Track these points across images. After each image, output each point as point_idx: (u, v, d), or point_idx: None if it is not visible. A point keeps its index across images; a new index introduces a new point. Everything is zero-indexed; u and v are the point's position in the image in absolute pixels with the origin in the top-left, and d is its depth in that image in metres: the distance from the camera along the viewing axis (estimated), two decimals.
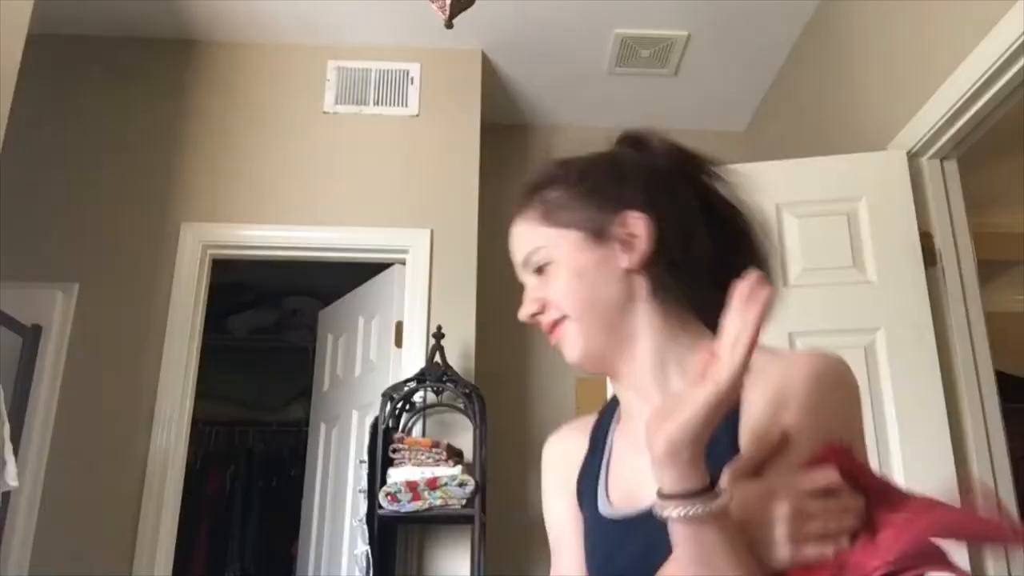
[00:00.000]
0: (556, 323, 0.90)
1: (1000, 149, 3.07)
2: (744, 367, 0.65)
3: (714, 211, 0.89)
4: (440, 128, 3.16)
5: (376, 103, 3.17)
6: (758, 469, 0.72)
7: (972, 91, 1.98)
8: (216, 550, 3.88)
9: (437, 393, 2.77)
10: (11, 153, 2.27)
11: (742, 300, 0.66)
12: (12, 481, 2.22)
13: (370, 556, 2.43)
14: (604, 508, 0.86)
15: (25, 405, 2.58)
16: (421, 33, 3.10)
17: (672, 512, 0.66)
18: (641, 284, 0.87)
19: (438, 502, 2.44)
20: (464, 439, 2.68)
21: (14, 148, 2.30)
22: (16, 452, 2.30)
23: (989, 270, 3.10)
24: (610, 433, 0.93)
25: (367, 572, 2.44)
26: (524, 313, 0.93)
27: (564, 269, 0.89)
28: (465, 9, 2.11)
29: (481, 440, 2.59)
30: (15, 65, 2.23)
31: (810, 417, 0.73)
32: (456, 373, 2.69)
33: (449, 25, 2.09)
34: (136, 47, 3.17)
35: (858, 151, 2.39)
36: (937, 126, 2.15)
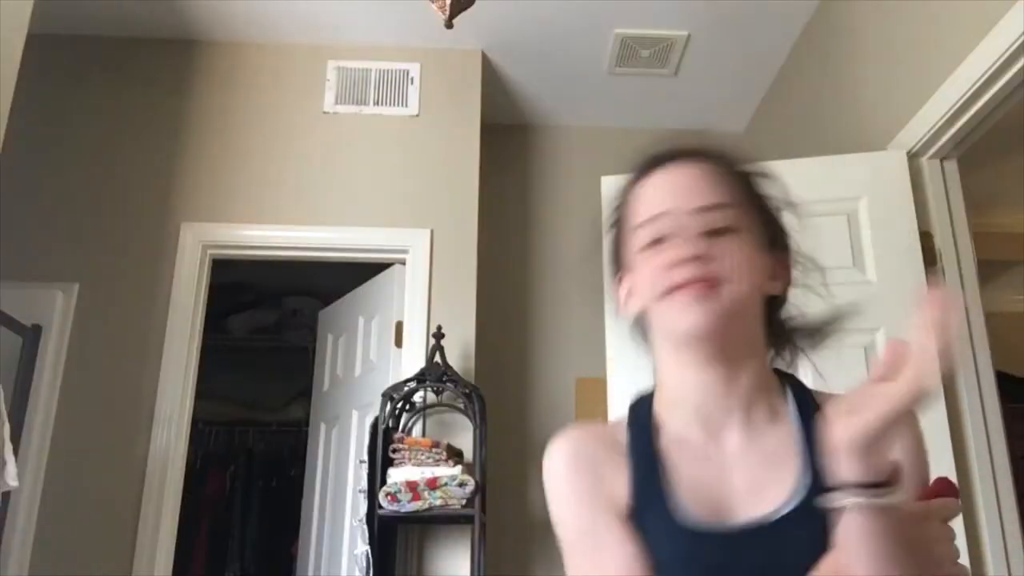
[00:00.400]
0: (707, 276, 0.83)
1: (1000, 149, 3.07)
2: (936, 369, 0.66)
3: None
4: (440, 128, 3.16)
5: (376, 103, 3.17)
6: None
7: (972, 91, 1.98)
8: (216, 550, 3.88)
9: (437, 393, 2.77)
10: (11, 153, 2.27)
11: (936, 308, 0.67)
12: (12, 481, 2.22)
13: (370, 556, 2.43)
14: (694, 523, 0.81)
15: (25, 405, 2.58)
16: (421, 33, 3.10)
17: (859, 502, 0.67)
18: (761, 313, 0.90)
19: (438, 502, 2.44)
20: (464, 439, 2.69)
21: (14, 148, 2.31)
22: (16, 452, 2.30)
23: (989, 270, 3.10)
24: (655, 444, 0.89)
25: (367, 572, 2.44)
26: (680, 254, 0.84)
27: (746, 247, 0.86)
28: (465, 9, 2.11)
29: (481, 440, 2.59)
30: (15, 65, 2.23)
31: (917, 451, 0.81)
32: (456, 373, 2.69)
33: (449, 25, 2.09)
34: (136, 47, 3.17)
35: (858, 151, 2.39)
36: (937, 126, 2.15)
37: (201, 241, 2.93)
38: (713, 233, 0.85)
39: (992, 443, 2.08)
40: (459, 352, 2.82)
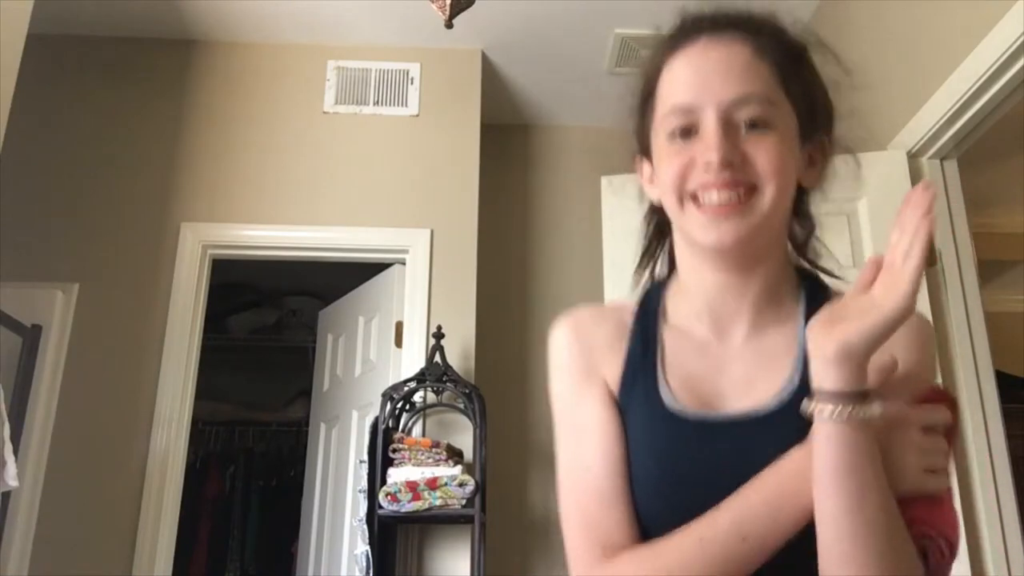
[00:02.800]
0: (740, 185, 0.78)
1: (1000, 149, 3.07)
2: (919, 281, 0.66)
3: None
4: (440, 128, 3.16)
5: (376, 103, 3.17)
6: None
7: (972, 91, 1.98)
8: (216, 550, 3.88)
9: (437, 393, 2.77)
10: (11, 153, 2.27)
11: (914, 208, 0.67)
12: (12, 481, 2.22)
13: (370, 556, 2.43)
14: (675, 406, 0.81)
15: (25, 405, 2.58)
16: (421, 33, 3.10)
17: (833, 411, 0.68)
18: (791, 204, 0.85)
19: (438, 502, 2.44)
20: (464, 439, 2.69)
21: (14, 148, 2.31)
22: (16, 452, 2.30)
23: (989, 270, 3.11)
24: (657, 329, 0.87)
25: (367, 572, 2.44)
26: (717, 157, 0.77)
27: (782, 145, 0.80)
28: (465, 9, 2.11)
29: (481, 440, 2.59)
30: (15, 65, 2.23)
31: (920, 358, 0.79)
32: (456, 373, 2.69)
33: (449, 25, 2.09)
34: (136, 47, 3.17)
35: (858, 151, 2.39)
36: (937, 126, 2.15)
37: (201, 241, 2.93)
38: (750, 126, 0.79)
39: (992, 443, 2.08)
40: (459, 352, 2.82)
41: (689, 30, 0.86)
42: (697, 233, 0.81)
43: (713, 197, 0.78)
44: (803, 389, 0.77)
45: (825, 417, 0.68)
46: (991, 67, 1.89)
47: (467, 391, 2.65)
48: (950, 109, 2.07)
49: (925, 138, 2.21)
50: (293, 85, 3.17)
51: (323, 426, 3.35)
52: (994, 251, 3.52)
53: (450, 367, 2.67)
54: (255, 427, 4.21)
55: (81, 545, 2.58)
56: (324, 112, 3.14)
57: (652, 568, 0.74)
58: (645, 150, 0.90)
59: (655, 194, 0.89)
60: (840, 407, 0.68)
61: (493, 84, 3.36)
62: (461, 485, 2.45)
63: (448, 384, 2.68)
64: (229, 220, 2.98)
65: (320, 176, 3.06)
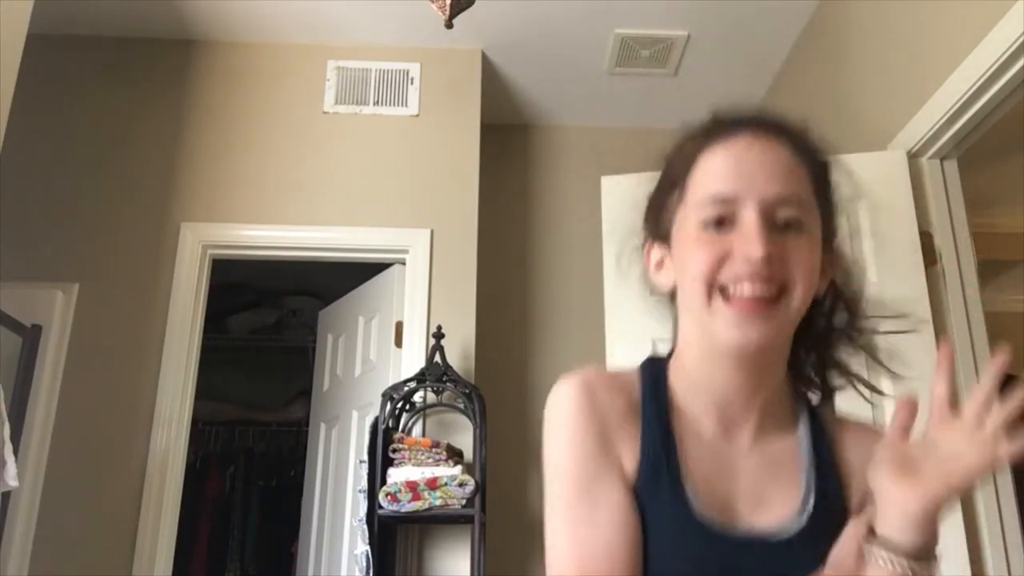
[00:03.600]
0: (772, 283, 0.77)
1: (1000, 149, 3.07)
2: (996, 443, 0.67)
3: None
4: (440, 128, 3.16)
5: (376, 103, 3.17)
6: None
7: (972, 91, 1.98)
8: (216, 550, 3.88)
9: (437, 393, 2.77)
10: (11, 153, 2.27)
11: (988, 370, 0.70)
12: (12, 481, 2.22)
13: (370, 556, 2.43)
14: (704, 514, 0.79)
15: (25, 405, 2.58)
16: (421, 33, 3.10)
17: (904, 565, 0.67)
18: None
19: (438, 502, 2.44)
20: (464, 439, 2.69)
21: (14, 148, 2.31)
22: (16, 452, 2.30)
23: (989, 270, 3.10)
24: (671, 420, 0.83)
25: (367, 572, 2.44)
26: (758, 252, 0.75)
27: (812, 249, 0.80)
28: (465, 9, 2.11)
29: (481, 440, 2.59)
30: (15, 65, 2.23)
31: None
32: (456, 373, 2.69)
33: (449, 25, 2.09)
34: (136, 47, 3.17)
35: (858, 151, 2.39)
36: (937, 126, 2.15)
37: (201, 241, 2.93)
38: (785, 226, 0.78)
39: None
40: (459, 352, 2.82)
41: (730, 125, 0.84)
42: (722, 330, 0.78)
43: (746, 289, 0.76)
44: (818, 511, 0.79)
45: (894, 570, 0.68)
46: (991, 67, 1.89)
47: (467, 391, 2.65)
48: (950, 109, 2.07)
49: (925, 138, 2.21)
50: (293, 85, 3.17)
51: (323, 426, 3.35)
52: (994, 251, 3.52)
53: (450, 367, 2.67)
54: (255, 427, 4.21)
55: (81, 545, 2.58)
56: (324, 112, 3.14)
57: None
58: (659, 236, 0.87)
59: (664, 281, 0.87)
60: (910, 562, 0.67)
61: (493, 84, 3.36)
62: (461, 485, 2.45)
63: (448, 384, 2.68)
64: (229, 220, 2.98)
65: (320, 176, 3.06)
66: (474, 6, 2.14)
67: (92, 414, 2.71)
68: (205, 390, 3.07)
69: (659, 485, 0.79)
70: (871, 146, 2.39)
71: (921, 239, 2.20)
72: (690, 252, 0.80)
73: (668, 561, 0.77)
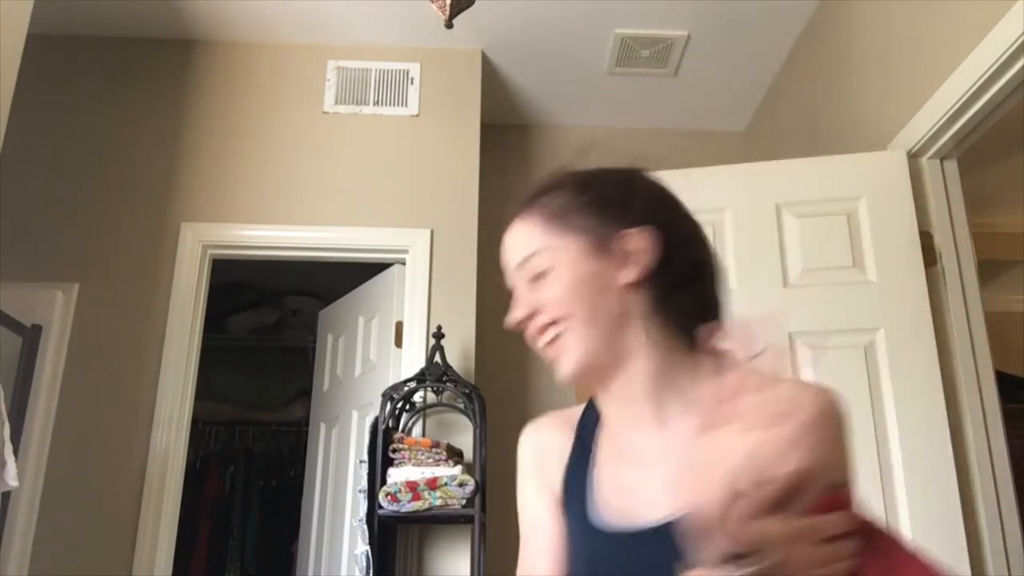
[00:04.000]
0: (545, 329, 0.87)
1: (1000, 149, 3.07)
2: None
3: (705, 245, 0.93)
4: (440, 128, 3.16)
5: (376, 103, 3.17)
6: (772, 508, 0.64)
7: (972, 91, 1.98)
8: (216, 550, 3.88)
9: (437, 393, 2.77)
10: (11, 153, 2.27)
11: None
12: (12, 481, 2.22)
13: (370, 556, 2.43)
14: (596, 519, 0.85)
15: (25, 405, 2.58)
16: (421, 33, 3.10)
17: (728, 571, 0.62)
18: (639, 302, 0.87)
19: (438, 502, 2.44)
20: (464, 439, 2.69)
21: (14, 148, 2.31)
22: (16, 452, 2.30)
23: (989, 270, 3.11)
24: (595, 437, 0.92)
25: (367, 572, 2.44)
26: (513, 319, 0.89)
27: (564, 276, 0.87)
28: (465, 9, 2.11)
29: (481, 440, 2.59)
30: (15, 65, 2.23)
31: (819, 459, 0.68)
32: (456, 373, 2.69)
33: (449, 25, 2.09)
34: (136, 47, 3.17)
35: (858, 151, 2.39)
36: (937, 126, 2.15)
37: (201, 241, 2.93)
38: (536, 278, 0.88)
39: (992, 443, 2.08)
40: (459, 352, 2.82)
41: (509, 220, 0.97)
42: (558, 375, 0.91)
43: (543, 348, 0.91)
44: None
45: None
46: (991, 67, 1.89)
47: (467, 391, 2.65)
48: (950, 109, 2.07)
49: (925, 138, 2.21)
50: (293, 85, 3.17)
51: (323, 426, 3.35)
52: (994, 251, 3.52)
53: (450, 367, 2.67)
54: (255, 427, 4.21)
55: (81, 545, 2.58)
56: (324, 112, 3.14)
57: None
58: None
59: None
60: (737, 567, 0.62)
61: (493, 84, 3.36)
62: (461, 485, 2.44)
63: (448, 384, 2.67)
64: (229, 220, 2.98)
65: (320, 176, 3.06)
66: (474, 6, 2.14)
67: (92, 414, 2.70)
68: (205, 390, 3.07)
69: (572, 497, 0.88)
70: (871, 146, 2.39)
71: (921, 239, 2.20)
72: None
73: (572, 567, 0.85)
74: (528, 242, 0.90)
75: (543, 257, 0.88)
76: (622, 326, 0.87)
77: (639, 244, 0.86)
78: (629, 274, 0.86)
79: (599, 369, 0.88)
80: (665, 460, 0.83)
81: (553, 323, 0.87)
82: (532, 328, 0.89)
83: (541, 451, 0.95)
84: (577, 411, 0.97)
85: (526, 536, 0.92)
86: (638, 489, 0.84)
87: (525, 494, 0.94)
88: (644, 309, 0.87)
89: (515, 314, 0.89)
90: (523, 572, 0.90)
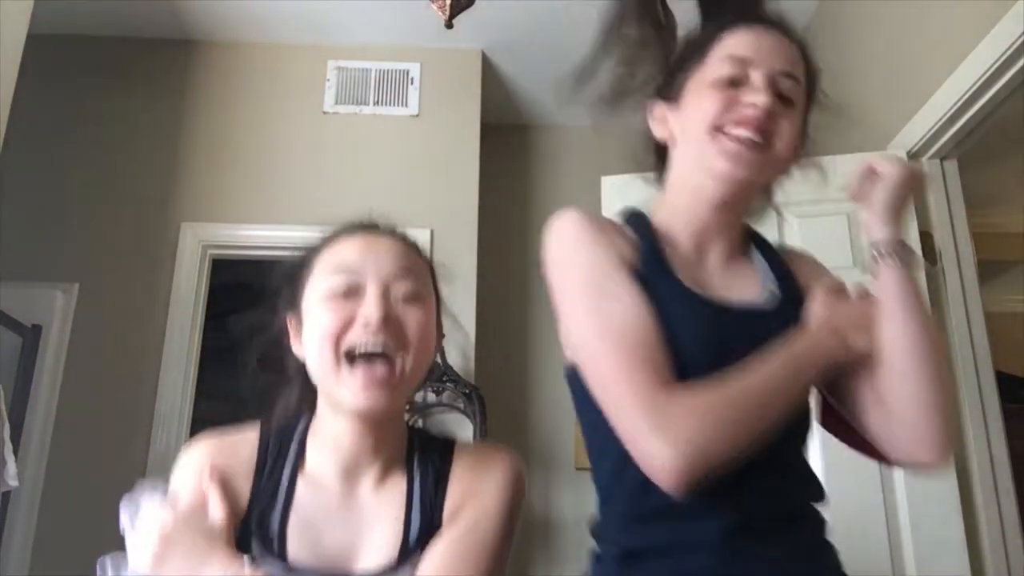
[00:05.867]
0: (763, 134, 0.91)
1: (1000, 149, 3.07)
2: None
3: None
4: (440, 128, 3.16)
5: (376, 103, 3.17)
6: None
7: (972, 91, 1.98)
8: None
9: (437, 393, 2.77)
10: (11, 153, 2.27)
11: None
12: (12, 481, 2.22)
13: None
14: (703, 293, 0.91)
15: (25, 405, 2.58)
16: (421, 33, 3.10)
17: (899, 253, 0.89)
18: None
19: None
20: (464, 439, 2.68)
21: (14, 148, 2.31)
22: (16, 452, 2.30)
23: (989, 270, 3.10)
24: (663, 252, 0.94)
25: None
26: (766, 101, 0.90)
27: (797, 121, 0.95)
28: (465, 9, 2.11)
29: (481, 440, 2.59)
30: (15, 65, 2.23)
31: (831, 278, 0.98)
32: (456, 373, 2.69)
33: (449, 25, 2.09)
34: (136, 47, 3.17)
35: (858, 151, 2.39)
36: (937, 126, 2.15)
37: (201, 241, 2.93)
38: (783, 98, 0.93)
39: (992, 443, 2.08)
40: (459, 352, 2.82)
41: (740, 17, 0.98)
42: (717, 162, 0.92)
43: (744, 142, 0.90)
44: (782, 289, 0.96)
45: (890, 257, 0.88)
46: (991, 67, 1.89)
47: (467, 391, 2.65)
48: (950, 109, 2.07)
49: (925, 138, 2.21)
50: (293, 85, 3.17)
51: None
52: (994, 251, 3.52)
53: (450, 367, 2.67)
54: None
55: (81, 545, 2.57)
56: (324, 112, 3.14)
57: (720, 394, 0.80)
58: (673, 98, 1.01)
59: (664, 132, 1.02)
60: (898, 247, 0.89)
61: (493, 84, 3.36)
62: None
63: (448, 384, 2.68)
64: (229, 220, 2.98)
65: (320, 176, 3.06)
66: (474, 6, 2.14)
67: (92, 414, 2.71)
68: (205, 390, 3.07)
69: (658, 277, 0.90)
70: (871, 146, 2.39)
71: (921, 239, 2.20)
72: (697, 97, 0.95)
73: (679, 340, 0.85)
74: (798, 66, 0.96)
75: (800, 92, 0.95)
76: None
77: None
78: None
79: (757, 185, 0.98)
80: (727, 275, 0.96)
81: (770, 140, 0.92)
82: (761, 119, 0.90)
83: (604, 226, 0.94)
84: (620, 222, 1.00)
85: (616, 295, 0.87)
86: (709, 284, 0.94)
87: (600, 257, 0.90)
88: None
89: (765, 98, 0.90)
90: (622, 324, 0.84)
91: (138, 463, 2.67)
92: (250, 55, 3.20)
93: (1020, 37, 1.78)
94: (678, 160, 1.00)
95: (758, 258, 1.00)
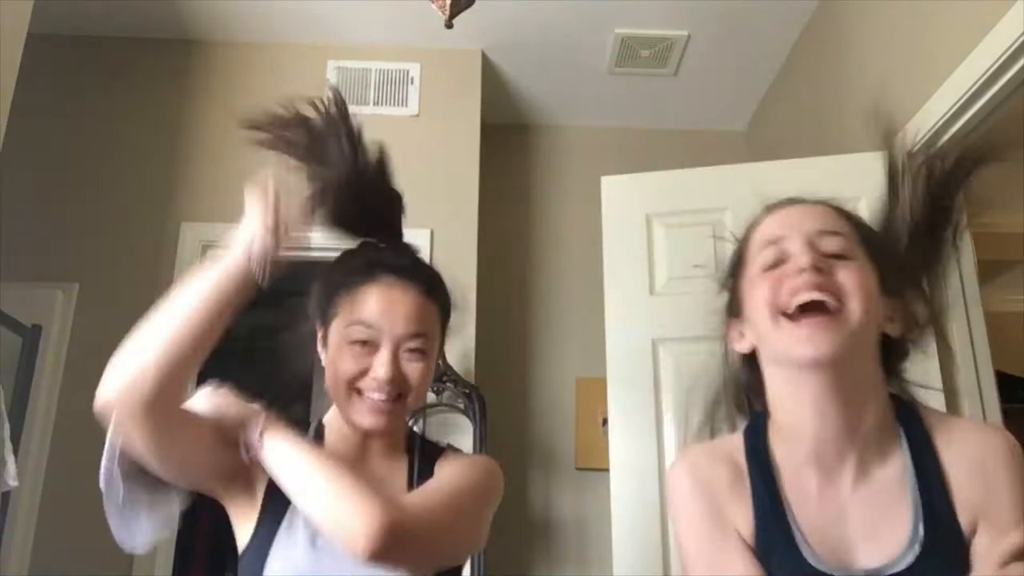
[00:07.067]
0: (828, 292, 0.84)
1: (1000, 149, 3.06)
2: None
3: None
4: (440, 128, 3.16)
5: (376, 103, 3.17)
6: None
7: (972, 91, 1.98)
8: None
9: (437, 393, 2.77)
10: (11, 153, 2.27)
11: None
12: (12, 481, 2.22)
13: None
14: (820, 567, 0.82)
15: (25, 405, 2.58)
16: (421, 33, 3.10)
17: None
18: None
19: None
20: (464, 439, 2.68)
21: (14, 148, 2.30)
22: (16, 452, 2.30)
23: (989, 270, 3.10)
24: (776, 478, 0.88)
25: None
26: (808, 262, 0.85)
27: (863, 270, 0.88)
28: (465, 9, 2.11)
29: (481, 440, 2.59)
30: (15, 65, 2.23)
31: (1012, 495, 0.81)
32: (456, 373, 2.69)
33: (449, 25, 2.09)
34: (136, 47, 3.17)
35: (858, 151, 2.39)
36: (937, 126, 2.14)
37: (201, 241, 2.93)
38: (833, 256, 0.87)
39: None
40: (459, 352, 2.82)
41: (770, 207, 0.97)
42: (794, 347, 0.83)
43: (803, 297, 0.83)
44: (929, 539, 0.80)
45: None
46: (991, 67, 1.89)
47: (467, 391, 2.65)
48: (950, 109, 2.07)
49: (925, 138, 2.20)
50: (293, 85, 3.16)
51: None
52: (994, 251, 3.51)
53: (450, 367, 2.67)
54: None
55: (81, 545, 2.57)
56: None
57: None
58: (737, 311, 0.96)
59: (746, 345, 0.94)
60: None
61: (493, 84, 3.36)
62: None
63: (448, 384, 2.67)
64: (229, 220, 2.97)
65: None
66: (474, 6, 2.14)
67: (92, 414, 2.70)
68: None
69: (774, 544, 0.84)
70: (871, 146, 2.38)
71: None
72: (755, 293, 0.90)
73: None
74: (839, 221, 0.92)
75: (852, 245, 0.89)
76: (874, 361, 0.89)
77: (905, 317, 0.95)
78: (894, 328, 0.93)
79: (853, 362, 0.86)
80: (867, 504, 0.85)
81: (839, 297, 0.84)
82: (814, 280, 0.84)
83: (709, 487, 0.89)
84: (729, 444, 0.94)
85: (720, 562, 0.84)
86: (842, 533, 0.84)
87: (707, 537, 0.87)
88: (879, 360, 0.91)
89: (809, 257, 0.85)
90: None
91: None
92: (250, 55, 3.20)
93: (1020, 37, 1.78)
94: (767, 371, 0.93)
95: (907, 458, 0.86)
